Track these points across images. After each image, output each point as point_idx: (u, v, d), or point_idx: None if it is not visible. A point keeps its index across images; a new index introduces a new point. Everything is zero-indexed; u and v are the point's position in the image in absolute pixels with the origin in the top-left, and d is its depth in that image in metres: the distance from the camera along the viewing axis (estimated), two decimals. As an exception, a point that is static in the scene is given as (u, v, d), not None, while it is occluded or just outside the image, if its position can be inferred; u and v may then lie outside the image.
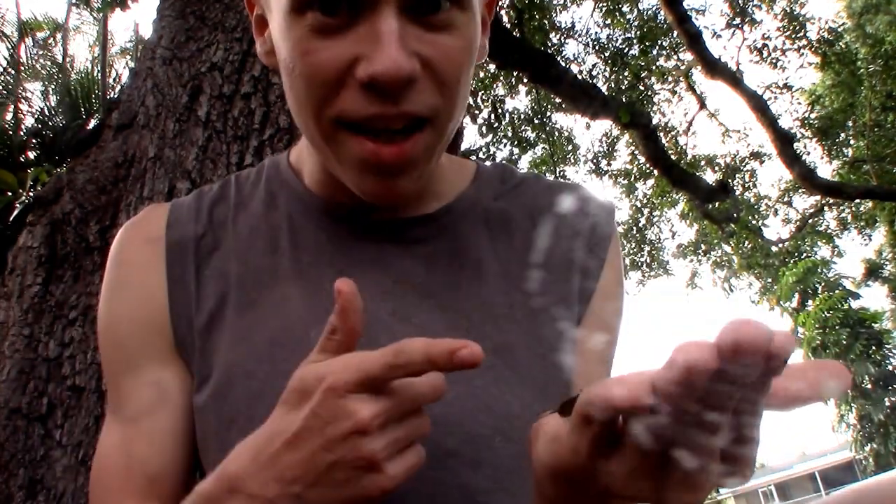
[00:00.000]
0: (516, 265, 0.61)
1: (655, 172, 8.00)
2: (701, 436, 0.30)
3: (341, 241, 0.60)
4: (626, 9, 7.55)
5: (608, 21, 7.60)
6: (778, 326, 0.31)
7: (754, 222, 9.78)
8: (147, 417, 0.57)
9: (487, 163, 0.71)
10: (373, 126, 0.49)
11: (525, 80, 7.01)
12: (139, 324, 0.59)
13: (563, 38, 7.65)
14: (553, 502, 0.41)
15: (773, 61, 8.21)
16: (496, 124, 7.50)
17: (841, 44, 9.10)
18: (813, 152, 9.81)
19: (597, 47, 7.69)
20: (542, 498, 0.41)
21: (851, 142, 10.50)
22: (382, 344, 0.54)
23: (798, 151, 7.96)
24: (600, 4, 7.52)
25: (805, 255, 16.30)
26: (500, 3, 5.48)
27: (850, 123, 10.07)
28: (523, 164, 8.45)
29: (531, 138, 8.18)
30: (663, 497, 0.33)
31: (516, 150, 8.10)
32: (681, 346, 0.29)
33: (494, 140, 7.71)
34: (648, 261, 10.17)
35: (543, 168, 8.55)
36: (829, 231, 11.70)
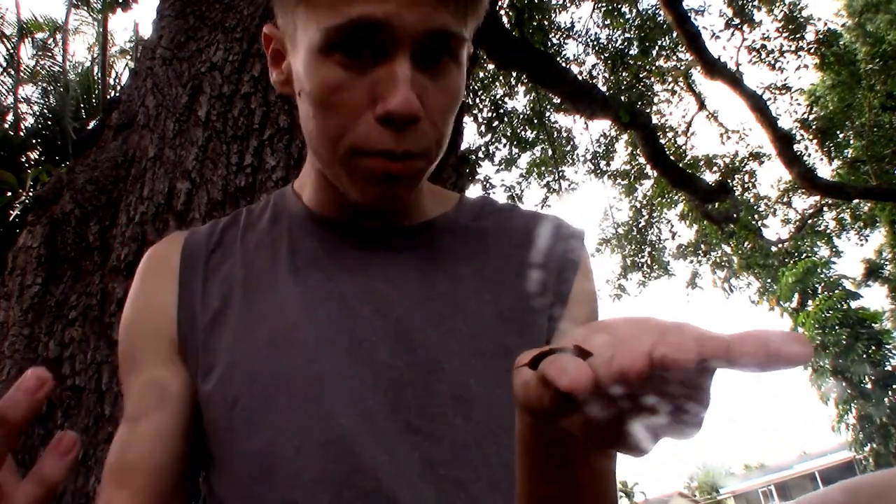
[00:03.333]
0: (490, 273, 0.68)
1: (654, 173, 8.00)
2: (647, 406, 0.33)
3: (332, 248, 0.68)
4: (625, 9, 7.55)
5: (607, 21, 7.60)
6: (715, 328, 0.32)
7: (754, 222, 9.78)
8: (144, 417, 0.63)
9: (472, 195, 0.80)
10: (382, 155, 0.58)
11: (524, 80, 7.01)
12: (146, 327, 0.67)
13: (562, 38, 7.65)
14: (528, 431, 0.45)
15: (773, 62, 8.21)
16: (495, 123, 7.50)
17: (840, 44, 9.10)
18: (812, 153, 9.81)
19: (596, 47, 7.69)
20: (520, 427, 0.46)
21: (851, 142, 10.50)
22: (364, 337, 0.62)
23: (797, 152, 7.96)
24: (599, 5, 7.53)
25: (805, 255, 16.31)
26: (500, 4, 5.48)
27: (849, 123, 10.06)
28: (522, 164, 8.47)
29: (530, 138, 8.18)
30: (618, 445, 0.37)
31: (515, 150, 8.10)
32: (620, 353, 0.32)
33: (493, 139, 7.72)
34: (649, 262, 10.17)
35: (543, 168, 8.55)
36: (827, 231, 11.70)
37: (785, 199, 10.70)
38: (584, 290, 0.69)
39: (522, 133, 8.08)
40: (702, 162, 9.21)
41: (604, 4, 7.50)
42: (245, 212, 0.75)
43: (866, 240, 12.08)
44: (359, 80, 0.56)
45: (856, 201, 10.20)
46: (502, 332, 0.64)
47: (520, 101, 7.94)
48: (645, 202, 9.74)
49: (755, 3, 8.01)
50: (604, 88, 7.08)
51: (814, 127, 9.59)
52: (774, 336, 0.31)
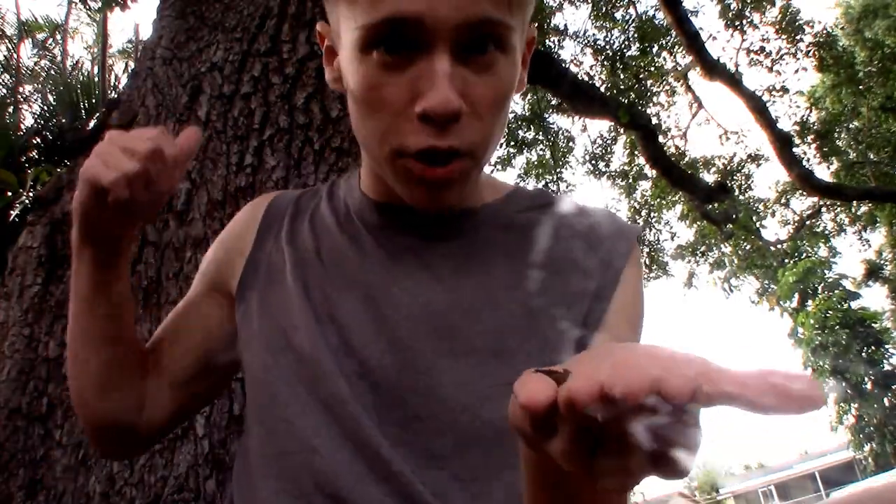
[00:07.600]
0: (527, 267, 0.66)
1: (652, 174, 8.01)
2: (622, 441, 0.30)
3: (383, 231, 0.70)
4: (621, 11, 7.56)
5: (605, 23, 7.60)
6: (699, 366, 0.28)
7: (752, 223, 9.78)
8: (183, 325, 0.76)
9: (530, 186, 0.81)
10: (425, 155, 0.57)
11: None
12: (224, 253, 0.77)
13: (561, 39, 7.65)
14: (527, 453, 0.43)
15: (770, 65, 8.21)
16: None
17: (839, 47, 9.11)
18: (811, 154, 9.81)
19: (595, 48, 7.69)
20: (521, 448, 0.44)
21: (851, 143, 10.51)
22: (403, 316, 0.63)
23: (797, 153, 7.97)
24: (597, 7, 7.52)
25: (805, 255, 16.32)
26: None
27: (848, 125, 10.07)
28: (519, 164, 8.48)
29: (528, 139, 8.19)
30: (596, 477, 0.33)
31: (512, 151, 8.11)
32: (574, 386, 0.29)
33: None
34: (647, 262, 10.17)
35: (541, 170, 8.56)
36: (826, 232, 11.71)
37: (783, 201, 10.71)
38: (628, 293, 0.66)
39: (520, 134, 8.08)
40: (700, 163, 9.22)
41: (601, 6, 7.51)
42: (327, 188, 0.80)
43: (867, 243, 12.07)
44: (399, 78, 0.55)
45: (853, 203, 10.21)
46: (526, 330, 0.62)
47: (517, 102, 7.95)
48: (643, 203, 9.74)
49: (751, 5, 8.02)
50: (602, 88, 7.08)
51: (813, 128, 9.60)
52: (781, 377, 0.27)
